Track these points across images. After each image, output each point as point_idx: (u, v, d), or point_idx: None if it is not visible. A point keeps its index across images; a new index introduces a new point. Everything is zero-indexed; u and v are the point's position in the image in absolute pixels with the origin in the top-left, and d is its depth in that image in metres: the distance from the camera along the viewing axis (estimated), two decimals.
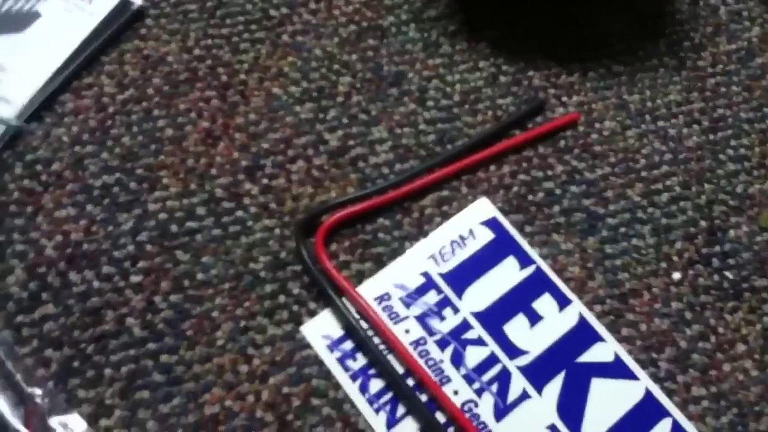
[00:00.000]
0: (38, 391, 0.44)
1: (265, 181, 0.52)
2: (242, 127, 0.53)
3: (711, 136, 0.58)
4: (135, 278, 0.48)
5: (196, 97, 0.54)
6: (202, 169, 0.51)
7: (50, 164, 0.50)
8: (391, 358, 0.47)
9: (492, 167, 0.54)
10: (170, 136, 0.52)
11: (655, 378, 0.49)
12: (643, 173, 0.56)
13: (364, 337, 0.47)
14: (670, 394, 0.48)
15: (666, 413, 0.47)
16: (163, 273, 0.48)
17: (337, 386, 0.46)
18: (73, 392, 0.44)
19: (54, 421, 0.43)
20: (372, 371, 0.46)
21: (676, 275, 0.52)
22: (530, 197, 0.54)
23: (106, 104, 0.53)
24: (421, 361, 0.47)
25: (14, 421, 0.43)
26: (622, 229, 0.53)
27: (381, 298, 0.49)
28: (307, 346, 0.47)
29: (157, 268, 0.48)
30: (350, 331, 0.47)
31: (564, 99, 0.58)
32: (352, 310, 0.48)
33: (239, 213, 0.51)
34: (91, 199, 0.50)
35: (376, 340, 0.47)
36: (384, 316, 0.48)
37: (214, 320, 0.47)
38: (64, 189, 0.50)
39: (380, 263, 0.50)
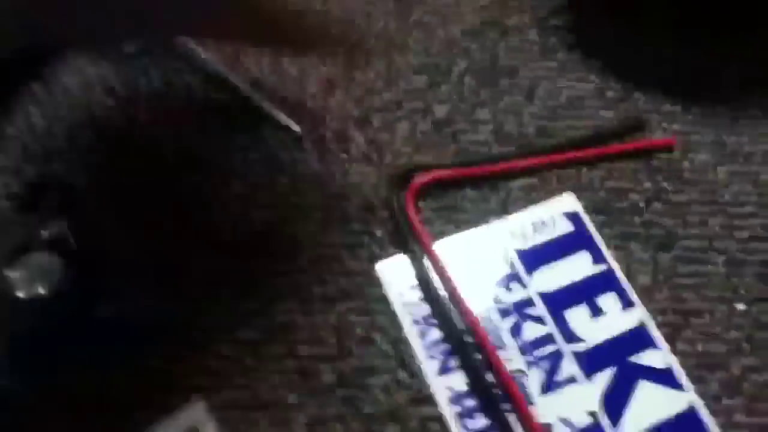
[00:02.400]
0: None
1: (371, 133, 0.58)
2: (360, 83, 0.60)
3: None
4: (237, 189, 0.54)
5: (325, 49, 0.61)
6: (317, 110, 0.58)
7: (182, 74, 0.58)
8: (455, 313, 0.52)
9: (584, 170, 0.59)
10: (294, 76, 0.59)
11: (702, 395, 0.52)
12: (728, 208, 0.59)
13: (432, 288, 0.52)
14: (712, 414, 0.51)
15: (705, 430, 0.50)
16: (263, 191, 0.54)
17: (400, 328, 0.51)
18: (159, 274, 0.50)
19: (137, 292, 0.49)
20: (433, 320, 0.51)
21: (741, 306, 0.56)
22: (615, 204, 0.58)
23: None
24: (482, 324, 0.51)
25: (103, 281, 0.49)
26: (697, 253, 0.57)
27: (456, 259, 0.54)
28: (379, 284, 0.52)
29: (259, 186, 0.55)
30: (421, 281, 0.53)
31: (665, 125, 0.62)
32: (428, 263, 0.53)
33: (342, 155, 0.57)
34: (212, 114, 0.57)
35: (444, 293, 0.52)
36: (455, 274, 0.53)
37: (299, 243, 0.53)
38: (189, 99, 0.57)
39: (462, 229, 0.55)
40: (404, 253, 0.53)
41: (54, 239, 0.47)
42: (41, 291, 0.45)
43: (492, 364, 0.50)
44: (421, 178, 0.56)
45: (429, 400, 0.49)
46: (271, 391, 0.47)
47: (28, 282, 0.45)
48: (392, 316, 0.51)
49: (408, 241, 0.53)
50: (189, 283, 0.50)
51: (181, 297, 0.49)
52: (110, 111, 0.55)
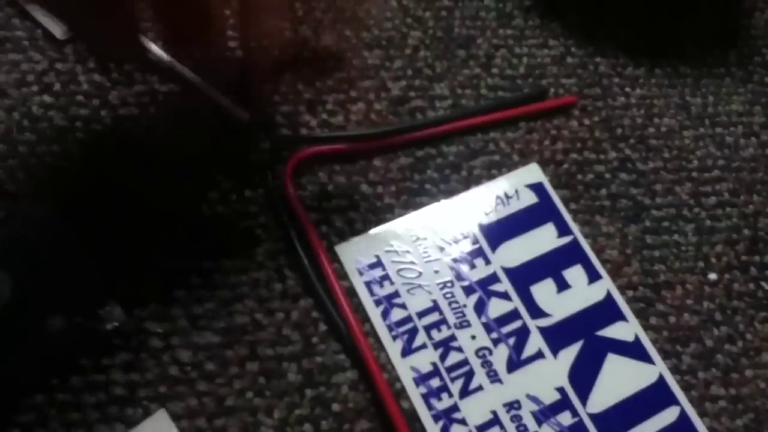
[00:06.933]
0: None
1: (324, 116, 0.60)
2: (310, 62, 0.62)
3: (767, 151, 0.65)
4: (186, 184, 0.56)
5: (269, 26, 0.62)
6: (266, 94, 0.60)
7: (121, 64, 0.59)
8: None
9: (546, 142, 0.62)
10: (240, 59, 0.61)
11: (676, 370, 0.55)
12: (695, 174, 0.63)
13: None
14: (688, 387, 0.55)
15: (675, 401, 0.54)
16: (213, 184, 0.56)
17: (365, 319, 0.54)
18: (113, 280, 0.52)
19: None
20: (395, 300, 0.54)
21: (713, 276, 0.59)
22: (579, 176, 0.61)
23: None
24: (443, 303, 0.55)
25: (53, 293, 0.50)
26: (666, 223, 0.61)
27: (416, 237, 0.57)
28: (342, 275, 0.55)
29: (209, 179, 0.56)
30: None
31: (627, 90, 0.65)
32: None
33: None
34: (155, 103, 0.58)
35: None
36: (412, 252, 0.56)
37: (257, 237, 0.55)
38: (131, 89, 0.58)
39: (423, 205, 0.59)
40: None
41: None
42: None
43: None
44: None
45: (399, 394, 0.52)
46: (236, 396, 0.50)
47: None
48: (357, 304, 0.54)
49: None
50: (142, 288, 0.52)
51: (135, 303, 0.51)
52: (49, 109, 0.56)
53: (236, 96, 0.58)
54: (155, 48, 0.59)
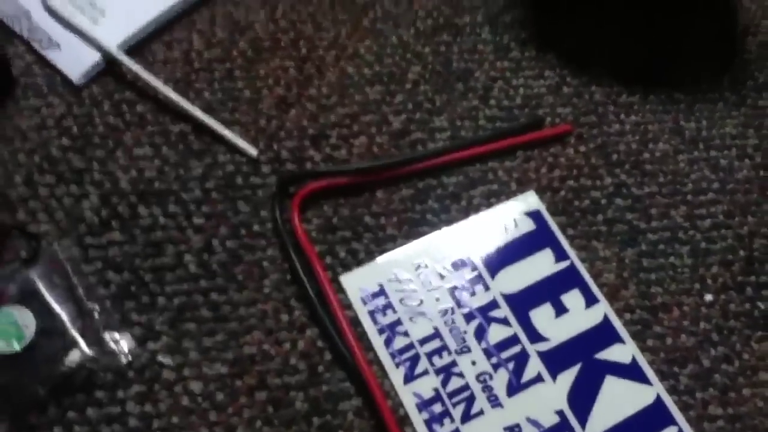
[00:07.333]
0: (96, 307, 0.55)
1: (327, 150, 0.63)
2: (314, 98, 0.64)
3: (761, 172, 0.67)
4: (197, 220, 0.59)
5: (276, 65, 0.65)
6: (272, 131, 0.63)
7: (135, 105, 0.62)
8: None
9: (543, 170, 0.64)
10: (247, 97, 0.64)
11: (674, 390, 0.57)
12: (689, 197, 0.65)
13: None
14: (686, 408, 0.57)
15: (673, 422, 0.56)
16: (223, 219, 0.59)
17: (369, 347, 0.56)
18: (127, 314, 0.55)
19: (107, 336, 0.54)
20: (398, 328, 0.57)
21: (708, 297, 0.61)
22: (576, 203, 0.63)
23: (193, 59, 0.65)
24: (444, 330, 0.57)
25: (72, 329, 0.53)
26: (662, 246, 0.63)
27: (418, 266, 0.59)
28: (346, 305, 0.57)
29: (219, 214, 0.59)
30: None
31: (622, 116, 0.68)
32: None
33: None
34: (167, 143, 0.61)
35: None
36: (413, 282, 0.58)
37: (264, 269, 0.58)
38: (144, 130, 0.61)
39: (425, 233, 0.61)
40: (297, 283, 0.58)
41: (23, 292, 0.52)
42: (16, 347, 0.50)
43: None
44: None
45: (403, 420, 0.54)
46: (246, 425, 0.52)
47: (2, 340, 0.50)
48: (361, 333, 0.57)
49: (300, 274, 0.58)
50: (155, 322, 0.55)
51: (148, 337, 0.54)
52: (67, 152, 0.59)
53: (243, 132, 0.61)
54: (166, 89, 0.62)
